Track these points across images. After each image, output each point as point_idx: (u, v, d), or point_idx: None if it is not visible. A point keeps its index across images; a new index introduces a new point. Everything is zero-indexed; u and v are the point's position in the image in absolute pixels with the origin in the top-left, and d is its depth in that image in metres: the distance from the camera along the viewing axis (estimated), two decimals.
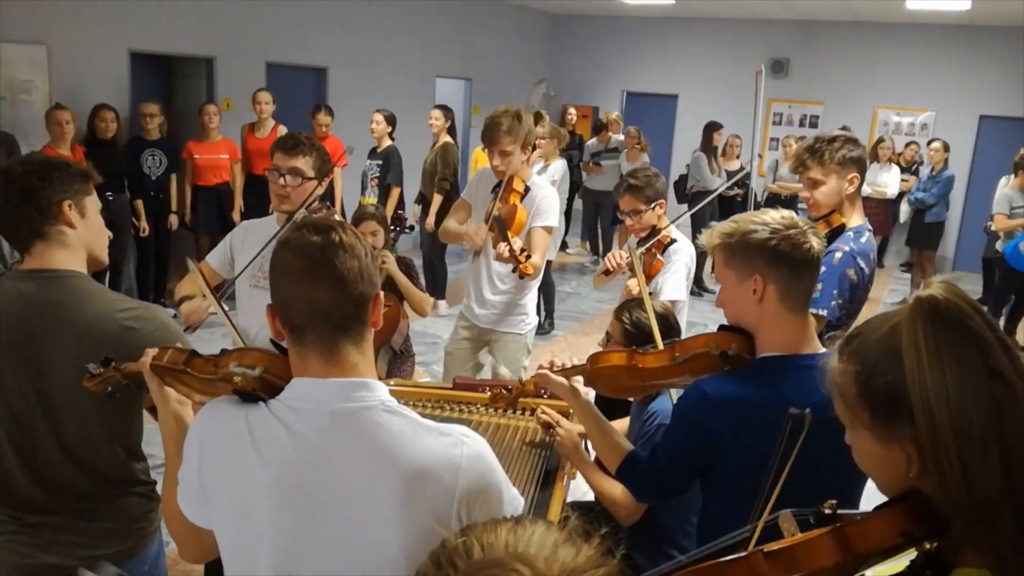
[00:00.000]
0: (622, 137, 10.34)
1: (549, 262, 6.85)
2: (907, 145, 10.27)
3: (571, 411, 2.87)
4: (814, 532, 1.08)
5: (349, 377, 1.35)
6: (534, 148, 3.77)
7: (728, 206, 8.48)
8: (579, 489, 3.10)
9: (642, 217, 3.47)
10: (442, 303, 7.41)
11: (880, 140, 9.10)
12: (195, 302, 2.89)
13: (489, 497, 1.36)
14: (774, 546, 1.08)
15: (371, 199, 7.02)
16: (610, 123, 10.31)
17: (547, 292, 7.07)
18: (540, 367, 2.28)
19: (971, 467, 0.99)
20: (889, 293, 9.53)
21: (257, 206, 6.91)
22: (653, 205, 3.48)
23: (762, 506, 1.19)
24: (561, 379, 2.18)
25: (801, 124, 12.01)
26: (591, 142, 10.24)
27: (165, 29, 7.05)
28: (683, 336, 2.75)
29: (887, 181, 8.85)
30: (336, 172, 7.08)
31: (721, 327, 1.92)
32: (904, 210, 9.02)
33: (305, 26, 8.41)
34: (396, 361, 4.00)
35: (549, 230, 3.60)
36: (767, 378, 1.77)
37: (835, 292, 2.60)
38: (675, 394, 2.58)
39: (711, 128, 9.26)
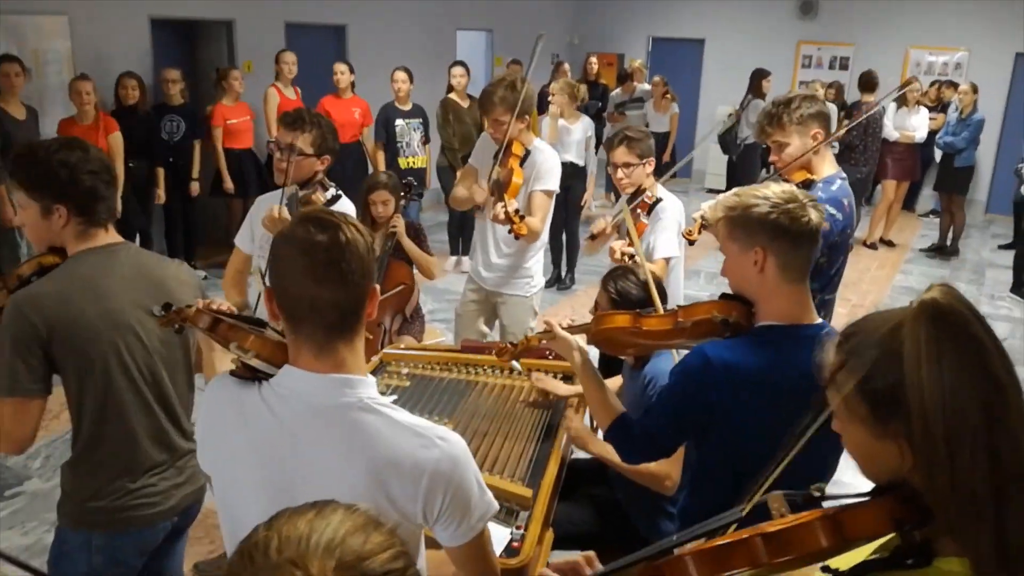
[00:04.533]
0: (647, 87, 10.22)
1: (574, 219, 6.95)
2: (931, 84, 10.08)
3: (572, 372, 2.98)
4: (808, 515, 1.13)
5: (337, 373, 1.41)
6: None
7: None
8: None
9: (633, 172, 3.49)
10: (466, 260, 7.48)
11: (907, 83, 8.90)
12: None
13: (456, 500, 1.44)
14: (770, 528, 1.14)
15: (423, 157, 7.07)
16: (634, 72, 10.17)
17: (571, 247, 7.11)
18: (547, 324, 2.35)
19: (959, 466, 1.04)
20: (919, 239, 9.42)
21: None
22: (644, 162, 3.50)
23: (760, 486, 1.24)
24: (565, 334, 2.27)
25: (831, 67, 11.77)
26: (616, 92, 10.13)
27: None
28: (672, 300, 2.82)
29: (916, 124, 8.68)
30: (364, 131, 7.15)
31: (723, 295, 2.03)
32: (937, 153, 8.88)
33: None
34: (407, 323, 4.12)
35: (549, 194, 3.65)
36: (766, 345, 1.88)
37: None
38: (677, 355, 2.66)
39: (759, 75, 9.13)
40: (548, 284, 6.99)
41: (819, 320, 1.95)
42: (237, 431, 1.45)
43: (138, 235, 6.34)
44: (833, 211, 2.78)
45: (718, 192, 4.80)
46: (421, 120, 7.03)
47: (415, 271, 4.13)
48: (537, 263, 3.83)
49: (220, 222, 7.42)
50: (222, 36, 7.72)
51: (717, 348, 1.90)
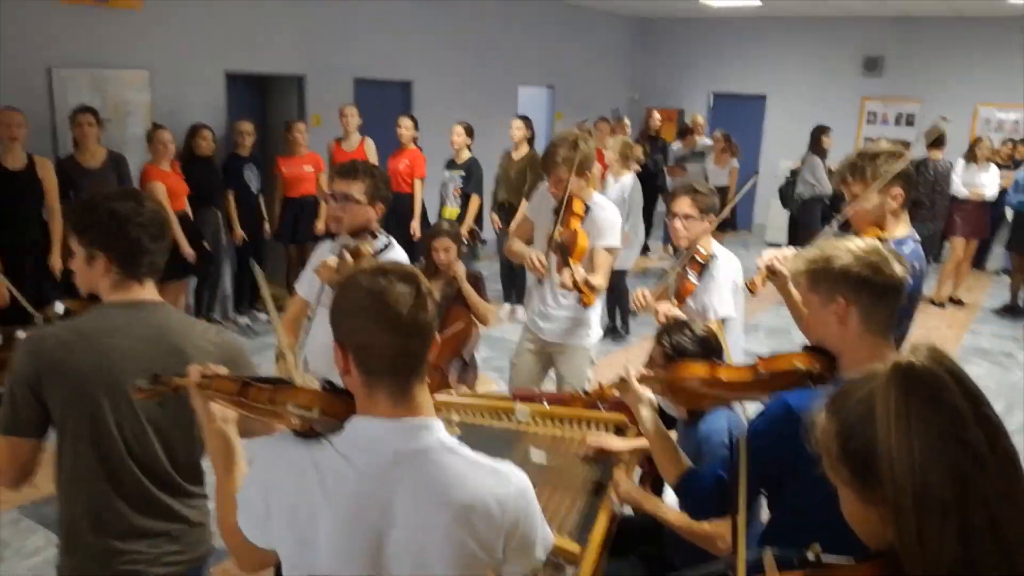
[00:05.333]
0: (708, 141, 10.24)
1: (624, 270, 6.93)
2: (1003, 143, 9.87)
3: (627, 425, 2.95)
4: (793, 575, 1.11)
5: (415, 416, 1.44)
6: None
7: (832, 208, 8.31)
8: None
9: (692, 225, 3.41)
10: (520, 308, 7.52)
11: (978, 140, 8.74)
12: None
13: (528, 531, 1.49)
14: None
15: (454, 209, 7.21)
16: (695, 126, 10.21)
17: (620, 299, 7.09)
18: (621, 375, 2.33)
19: (928, 538, 1.00)
20: (988, 298, 9.14)
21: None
22: (705, 218, 3.43)
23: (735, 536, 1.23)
24: (638, 386, 2.27)
25: (897, 123, 11.63)
26: (676, 146, 10.18)
27: (259, 50, 7.41)
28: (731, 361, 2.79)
29: (985, 181, 8.48)
30: (416, 184, 7.32)
31: (806, 347, 2.01)
32: (1008, 211, 8.64)
33: (391, 42, 8.68)
34: (464, 371, 4.16)
35: (611, 250, 3.66)
36: None
37: None
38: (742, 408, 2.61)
39: (820, 131, 9.09)
40: (603, 335, 6.98)
41: None
42: (314, 491, 1.42)
43: (206, 279, 6.56)
44: None
45: (778, 246, 4.75)
46: (462, 173, 7.17)
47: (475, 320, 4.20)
48: (594, 312, 3.84)
49: (282, 267, 7.63)
50: (293, 90, 8.01)
51: (800, 398, 1.85)
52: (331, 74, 8.10)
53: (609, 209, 3.71)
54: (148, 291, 2.06)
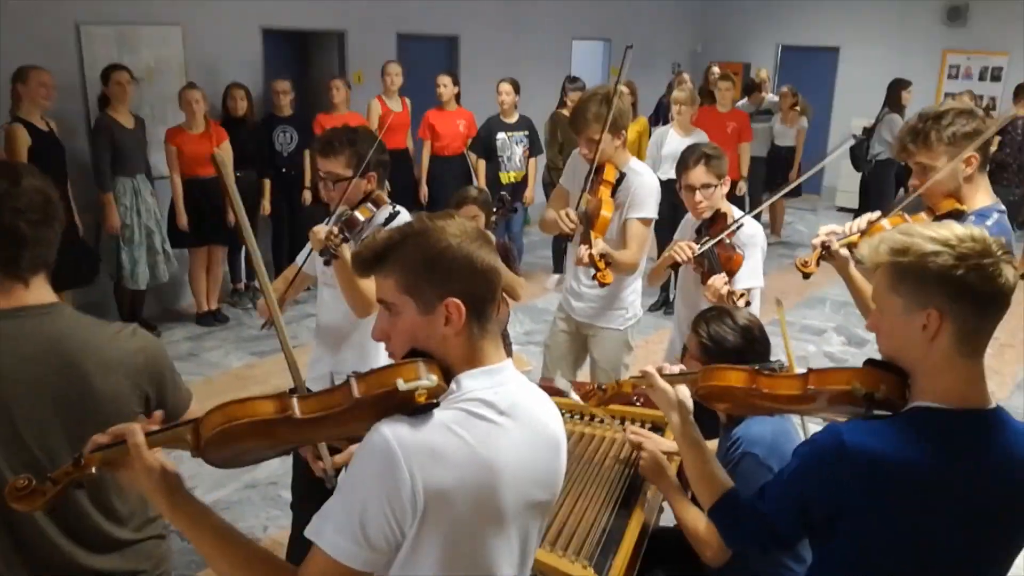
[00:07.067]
0: (775, 97, 9.63)
1: None
2: None
3: (666, 425, 2.60)
4: None
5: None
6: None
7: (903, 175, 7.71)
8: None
9: (713, 193, 3.10)
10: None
11: None
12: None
13: None
14: None
15: (519, 172, 6.86)
16: (761, 82, 9.61)
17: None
18: (644, 371, 2.02)
19: None
20: None
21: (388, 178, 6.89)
22: (722, 182, 3.12)
23: None
24: (666, 385, 1.93)
25: (981, 78, 10.80)
26: (742, 103, 9.57)
27: (296, 5, 7.09)
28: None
29: None
30: (470, 143, 6.95)
31: (869, 361, 1.61)
32: None
33: None
34: None
35: (647, 222, 3.29)
36: (923, 434, 1.47)
37: None
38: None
39: (899, 85, 8.41)
40: (655, 307, 6.58)
41: (993, 404, 1.52)
42: (483, 467, 1.33)
43: (242, 246, 6.34)
44: None
45: (850, 211, 4.31)
46: (526, 133, 6.78)
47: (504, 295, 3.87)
48: (633, 294, 3.47)
49: None
50: (333, 46, 7.70)
51: (857, 431, 1.50)
52: (373, 29, 7.75)
53: (647, 175, 3.33)
54: (36, 292, 1.65)
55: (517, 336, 5.98)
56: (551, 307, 6.41)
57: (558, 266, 7.31)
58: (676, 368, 1.92)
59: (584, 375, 3.74)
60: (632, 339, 3.52)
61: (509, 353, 3.95)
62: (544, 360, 3.74)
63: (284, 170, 6.59)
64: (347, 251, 2.57)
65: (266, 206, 6.53)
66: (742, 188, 7.45)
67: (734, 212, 3.16)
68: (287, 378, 1.54)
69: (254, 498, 3.89)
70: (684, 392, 1.94)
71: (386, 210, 2.78)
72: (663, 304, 6.61)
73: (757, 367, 1.79)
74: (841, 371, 1.63)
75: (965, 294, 1.42)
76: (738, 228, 3.03)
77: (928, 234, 1.46)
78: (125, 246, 5.57)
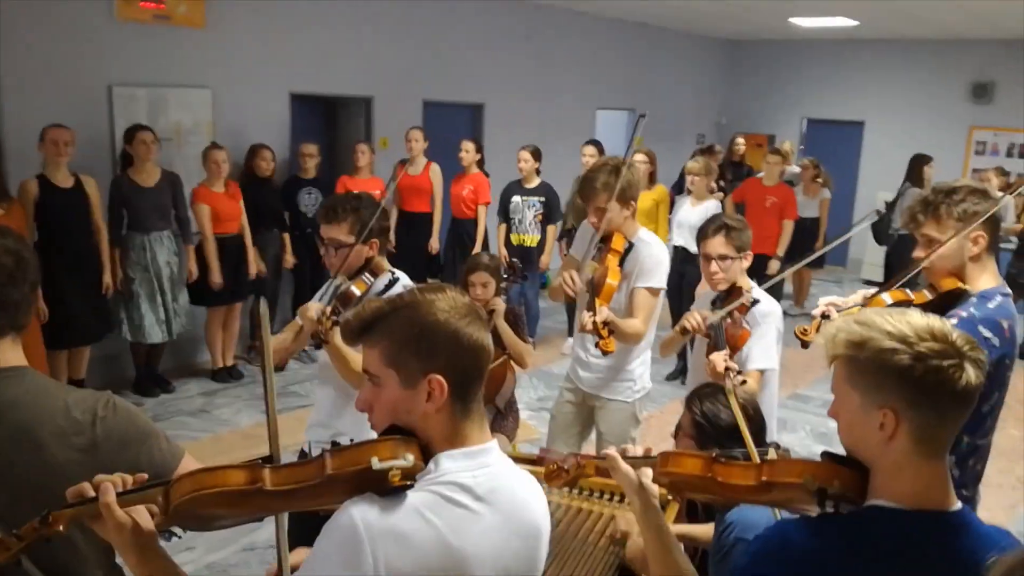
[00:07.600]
0: (796, 169, 9.63)
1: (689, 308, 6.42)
2: None
3: (666, 500, 2.52)
4: None
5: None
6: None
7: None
8: None
9: (730, 266, 3.05)
10: None
11: None
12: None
13: None
14: None
15: (534, 236, 6.89)
16: (784, 154, 9.63)
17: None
18: (606, 453, 1.93)
19: None
20: None
21: (406, 240, 6.97)
22: (743, 255, 3.07)
23: None
24: (628, 469, 1.79)
25: (1009, 154, 10.75)
26: (763, 174, 9.58)
27: (325, 71, 7.26)
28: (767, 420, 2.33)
29: None
30: (480, 210, 7.04)
31: (826, 454, 1.49)
32: None
33: (462, 64, 8.45)
34: (498, 418, 3.78)
35: (654, 292, 3.25)
36: (876, 536, 1.36)
37: None
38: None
39: (920, 160, 8.35)
40: (672, 376, 6.50)
41: (957, 506, 1.40)
42: (445, 549, 1.30)
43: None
44: (988, 334, 2.26)
45: (876, 284, 4.23)
46: (542, 199, 6.83)
47: (512, 363, 3.83)
48: (642, 365, 3.42)
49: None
50: (361, 111, 7.85)
51: (804, 531, 1.41)
52: (400, 96, 7.91)
53: (655, 245, 3.31)
54: (5, 355, 1.57)
55: (530, 402, 5.92)
56: (564, 372, 6.38)
57: (572, 331, 7.26)
58: (640, 450, 1.80)
59: (590, 447, 3.66)
60: (640, 412, 3.45)
61: (517, 420, 3.93)
62: (549, 429, 3.68)
63: (309, 231, 6.68)
64: (337, 336, 2.53)
65: (288, 259, 6.64)
66: (773, 267, 7.13)
67: (754, 290, 3.08)
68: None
69: (252, 561, 3.83)
70: (647, 475, 1.76)
71: (385, 277, 2.78)
72: (680, 373, 6.51)
73: (715, 454, 1.63)
74: (796, 463, 1.51)
75: (922, 396, 1.33)
76: (753, 304, 2.99)
77: (886, 328, 1.36)
78: (131, 301, 5.64)
